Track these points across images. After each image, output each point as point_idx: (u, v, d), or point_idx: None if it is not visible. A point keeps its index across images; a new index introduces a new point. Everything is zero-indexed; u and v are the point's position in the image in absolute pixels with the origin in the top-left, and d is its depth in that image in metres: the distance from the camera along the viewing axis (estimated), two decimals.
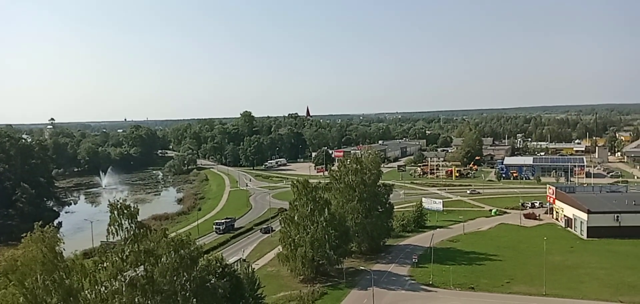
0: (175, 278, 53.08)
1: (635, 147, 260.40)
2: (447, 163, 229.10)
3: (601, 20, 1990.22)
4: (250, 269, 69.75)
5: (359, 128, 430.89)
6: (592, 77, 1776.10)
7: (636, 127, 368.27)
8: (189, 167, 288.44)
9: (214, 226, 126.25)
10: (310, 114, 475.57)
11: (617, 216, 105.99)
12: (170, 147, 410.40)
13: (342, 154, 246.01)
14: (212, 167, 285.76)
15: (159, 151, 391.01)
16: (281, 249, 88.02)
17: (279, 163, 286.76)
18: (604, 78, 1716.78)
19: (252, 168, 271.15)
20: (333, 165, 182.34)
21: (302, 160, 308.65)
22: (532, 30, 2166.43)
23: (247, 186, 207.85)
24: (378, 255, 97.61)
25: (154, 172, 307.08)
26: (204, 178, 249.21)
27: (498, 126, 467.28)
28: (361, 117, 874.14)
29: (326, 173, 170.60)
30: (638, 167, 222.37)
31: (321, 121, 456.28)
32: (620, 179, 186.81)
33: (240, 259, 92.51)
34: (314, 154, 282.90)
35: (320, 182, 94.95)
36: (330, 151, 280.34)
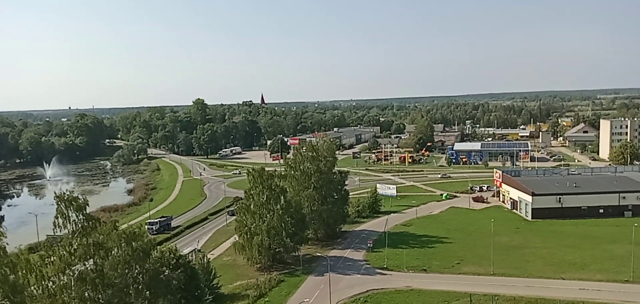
0: (127, 271, 51.62)
1: (575, 132, 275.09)
2: (401, 150, 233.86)
3: (541, 12, 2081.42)
4: (205, 260, 68.98)
5: (314, 116, 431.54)
6: (536, 66, 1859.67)
7: (577, 113, 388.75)
8: (139, 157, 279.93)
9: (146, 227, 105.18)
10: (265, 102, 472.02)
11: (559, 198, 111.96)
12: (119, 136, 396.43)
13: (297, 141, 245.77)
14: (164, 157, 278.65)
15: (107, 140, 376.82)
16: (237, 239, 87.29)
17: (233, 151, 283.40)
18: (547, 66, 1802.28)
19: (206, 157, 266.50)
20: (289, 153, 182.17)
21: (257, 148, 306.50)
22: (478, 22, 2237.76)
23: (201, 175, 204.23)
24: (334, 241, 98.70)
25: (102, 162, 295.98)
26: (156, 168, 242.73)
27: (448, 113, 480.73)
28: (316, 105, 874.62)
29: (282, 161, 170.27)
30: (578, 151, 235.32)
31: (276, 108, 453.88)
32: (562, 162, 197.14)
33: (194, 249, 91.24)
34: (269, 142, 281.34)
35: (276, 170, 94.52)
36: (286, 139, 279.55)
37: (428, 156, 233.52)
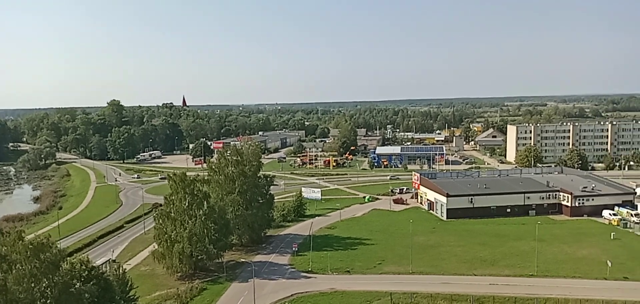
0: (33, 285, 47.76)
1: (485, 137, 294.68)
2: (325, 153, 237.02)
3: (455, 27, 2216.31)
4: (120, 270, 65.18)
5: (238, 119, 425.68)
6: (450, 75, 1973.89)
7: (486, 119, 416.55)
8: (47, 161, 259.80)
9: None
10: (187, 104, 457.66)
11: (471, 199, 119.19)
12: (24, 139, 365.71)
13: (221, 145, 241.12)
14: (75, 162, 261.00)
15: (10, 143, 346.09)
16: (156, 247, 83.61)
17: (152, 156, 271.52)
18: (460, 75, 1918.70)
19: (121, 162, 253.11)
20: (212, 157, 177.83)
21: (178, 152, 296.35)
22: (398, 34, 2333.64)
23: (116, 181, 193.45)
24: (259, 246, 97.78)
25: (5, 167, 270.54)
26: (66, 173, 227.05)
27: (370, 118, 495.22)
28: (241, 108, 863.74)
29: (205, 165, 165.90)
30: (488, 154, 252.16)
31: (199, 111, 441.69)
32: (473, 165, 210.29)
33: (109, 260, 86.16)
34: (191, 145, 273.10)
35: (198, 175, 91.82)
36: (209, 143, 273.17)
37: (352, 159, 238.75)
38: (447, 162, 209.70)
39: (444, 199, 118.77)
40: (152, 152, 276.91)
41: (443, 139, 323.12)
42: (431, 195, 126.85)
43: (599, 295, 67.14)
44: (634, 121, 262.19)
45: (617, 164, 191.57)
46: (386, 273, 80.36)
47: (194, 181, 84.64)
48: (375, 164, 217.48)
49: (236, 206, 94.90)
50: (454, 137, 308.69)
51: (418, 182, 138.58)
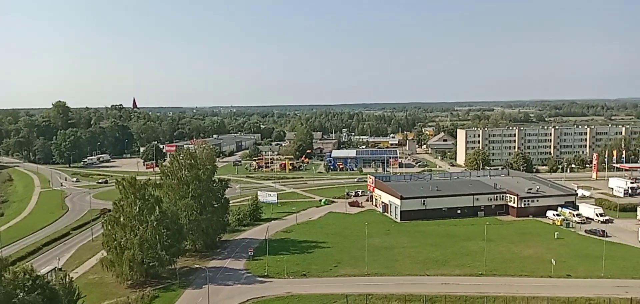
0: None
1: (437, 141, 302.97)
2: (281, 157, 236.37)
3: (405, 34, 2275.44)
4: (67, 279, 62.37)
5: (192, 122, 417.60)
6: (403, 80, 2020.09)
7: (438, 123, 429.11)
8: None
9: None
10: (138, 106, 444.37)
11: (424, 201, 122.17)
12: None
13: (174, 148, 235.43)
14: (18, 166, 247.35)
15: None
16: (105, 254, 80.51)
17: (101, 159, 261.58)
18: (412, 81, 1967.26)
19: (68, 166, 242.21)
20: (164, 160, 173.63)
21: (128, 156, 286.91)
22: (354, 38, 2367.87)
23: (62, 185, 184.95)
24: (214, 251, 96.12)
25: None
26: (7, 178, 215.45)
27: (326, 121, 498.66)
28: (195, 110, 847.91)
29: (157, 169, 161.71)
30: (439, 157, 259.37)
31: (150, 113, 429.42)
32: (426, 168, 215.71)
33: (54, 268, 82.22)
34: (142, 149, 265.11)
35: (150, 179, 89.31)
36: (161, 146, 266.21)
37: (308, 163, 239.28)
38: (400, 166, 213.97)
39: (398, 201, 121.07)
40: (100, 155, 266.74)
41: (397, 142, 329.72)
42: (386, 198, 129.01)
43: (544, 292, 70.34)
44: (575, 126, 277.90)
45: (560, 166, 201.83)
46: (342, 275, 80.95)
47: (145, 186, 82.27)
48: (331, 167, 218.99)
49: (190, 211, 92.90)
50: (407, 141, 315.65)
51: (373, 185, 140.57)
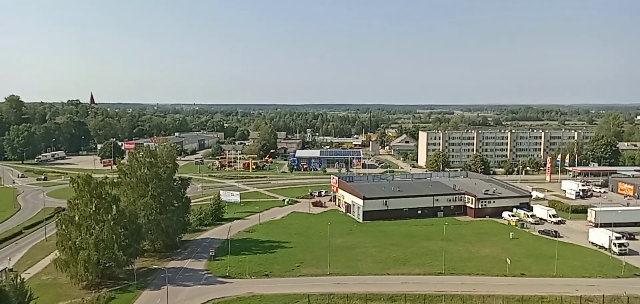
0: None
1: (399, 142, 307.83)
2: (245, 156, 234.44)
3: (369, 38, 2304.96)
4: (18, 280, 59.79)
5: (153, 119, 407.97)
6: (366, 82, 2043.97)
7: (400, 125, 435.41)
8: None
9: None
10: (95, 102, 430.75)
11: (386, 201, 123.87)
12: None
13: (133, 146, 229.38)
14: None
15: None
16: (59, 254, 77.56)
17: (55, 156, 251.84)
18: (375, 83, 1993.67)
19: (20, 162, 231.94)
20: (123, 158, 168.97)
21: (85, 153, 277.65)
22: (315, 39, 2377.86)
23: (14, 183, 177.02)
24: (173, 252, 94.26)
25: None
26: None
27: (290, 121, 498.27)
28: (156, 108, 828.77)
29: (115, 167, 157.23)
30: (401, 158, 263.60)
31: (109, 109, 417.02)
32: (388, 169, 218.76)
33: (5, 269, 78.64)
34: (100, 146, 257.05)
35: (107, 178, 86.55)
36: (120, 143, 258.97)
37: (271, 162, 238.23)
38: (364, 166, 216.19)
39: (360, 201, 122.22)
40: (55, 152, 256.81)
41: (360, 143, 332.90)
42: (349, 198, 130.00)
43: (500, 291, 72.63)
44: (530, 130, 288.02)
45: (516, 169, 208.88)
46: (304, 275, 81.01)
47: (101, 184, 79.75)
48: (295, 167, 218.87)
49: (149, 210, 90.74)
50: (371, 142, 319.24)
51: (336, 185, 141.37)
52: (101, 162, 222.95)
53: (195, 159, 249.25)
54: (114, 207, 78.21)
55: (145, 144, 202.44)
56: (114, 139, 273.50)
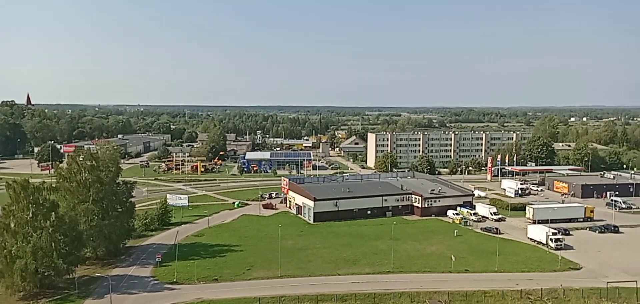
0: None
1: (349, 144, 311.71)
2: (193, 158, 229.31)
3: (316, 38, 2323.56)
4: None
5: (94, 120, 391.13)
6: (316, 84, 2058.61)
7: (350, 127, 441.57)
8: None
9: None
10: (32, 103, 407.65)
11: (336, 202, 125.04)
12: None
13: (73, 149, 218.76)
14: None
15: None
16: None
17: None
18: (324, 85, 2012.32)
19: None
20: (62, 162, 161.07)
21: (21, 156, 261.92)
22: (266, 40, 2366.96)
23: None
24: (117, 259, 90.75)
25: None
26: None
27: (240, 123, 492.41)
28: (97, 108, 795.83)
29: (53, 171, 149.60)
30: (351, 160, 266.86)
31: (47, 111, 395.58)
32: (338, 170, 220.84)
33: None
34: (37, 149, 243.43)
35: (45, 182, 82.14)
36: (59, 146, 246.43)
37: (221, 164, 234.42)
38: (314, 168, 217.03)
39: (311, 203, 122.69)
40: None
41: (310, 145, 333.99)
42: (299, 199, 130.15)
43: (445, 287, 75.16)
44: (472, 131, 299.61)
45: (459, 169, 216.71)
46: (255, 278, 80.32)
47: (39, 189, 75.63)
48: (245, 169, 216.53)
49: (90, 216, 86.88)
50: (321, 144, 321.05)
51: (287, 187, 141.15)
52: (39, 166, 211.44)
53: (141, 162, 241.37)
54: (53, 213, 74.34)
55: (85, 146, 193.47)
56: (53, 141, 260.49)
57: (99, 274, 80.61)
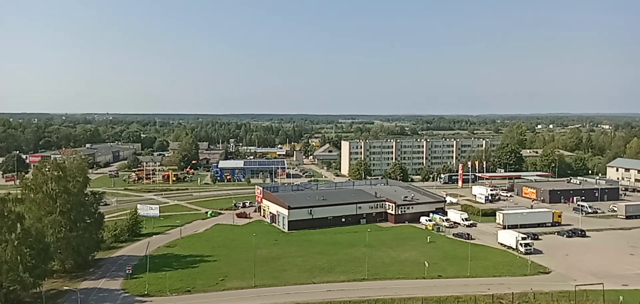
0: None
1: (322, 151, 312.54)
2: (164, 167, 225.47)
3: (287, 46, 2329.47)
4: None
5: (61, 129, 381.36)
6: (289, 92, 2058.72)
7: (323, 135, 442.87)
8: None
9: None
10: None
11: (311, 210, 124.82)
12: None
13: (39, 159, 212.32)
14: None
15: None
16: None
17: None
18: (298, 93, 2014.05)
19: None
20: (27, 172, 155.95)
21: None
22: (239, 47, 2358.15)
23: None
24: (86, 271, 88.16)
25: None
26: None
27: (213, 131, 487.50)
28: (64, 117, 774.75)
29: (18, 182, 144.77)
30: (325, 168, 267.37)
31: (11, 120, 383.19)
32: (312, 178, 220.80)
33: None
34: (1, 159, 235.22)
35: (10, 193, 79.27)
36: (24, 156, 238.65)
37: (193, 173, 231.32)
38: (288, 176, 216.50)
39: (285, 211, 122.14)
40: None
41: (284, 153, 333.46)
42: (274, 208, 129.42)
43: (419, 293, 75.74)
44: (444, 139, 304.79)
45: (431, 175, 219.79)
46: (229, 288, 79.21)
47: (3, 200, 72.95)
48: (218, 178, 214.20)
49: (58, 228, 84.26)
50: (295, 152, 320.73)
51: (261, 195, 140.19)
52: (3, 177, 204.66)
53: (110, 172, 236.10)
54: (19, 225, 71.68)
55: (52, 156, 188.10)
56: (18, 151, 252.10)
57: (67, 288, 78.11)
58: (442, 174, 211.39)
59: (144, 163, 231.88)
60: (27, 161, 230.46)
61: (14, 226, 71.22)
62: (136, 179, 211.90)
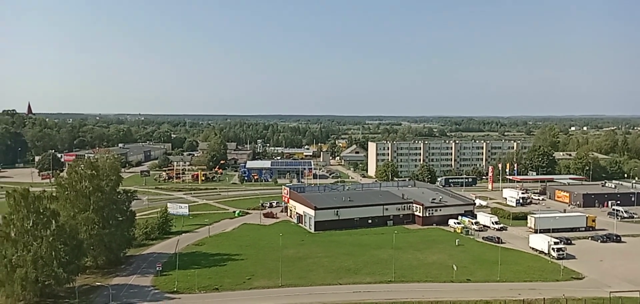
0: None
1: (349, 153, 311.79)
2: (194, 167, 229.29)
3: (319, 48, 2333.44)
4: None
5: (95, 129, 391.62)
6: (318, 93, 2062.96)
7: (350, 136, 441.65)
8: None
9: None
10: (33, 112, 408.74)
11: (337, 211, 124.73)
12: None
13: (73, 158, 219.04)
14: None
15: None
16: None
17: None
18: (326, 94, 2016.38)
19: None
20: (63, 171, 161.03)
21: (22, 165, 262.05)
22: (268, 50, 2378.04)
23: None
24: (118, 268, 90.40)
25: None
26: None
27: (241, 132, 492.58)
28: (98, 117, 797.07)
29: (53, 180, 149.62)
30: (352, 169, 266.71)
31: (47, 120, 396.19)
32: (339, 179, 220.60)
33: None
34: (38, 158, 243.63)
35: (45, 191, 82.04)
36: (59, 155, 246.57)
37: (221, 173, 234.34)
38: (315, 177, 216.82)
39: (312, 212, 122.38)
40: None
41: (311, 154, 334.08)
42: (300, 208, 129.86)
43: (447, 297, 74.69)
44: (473, 140, 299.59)
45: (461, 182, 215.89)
46: (256, 287, 79.88)
47: (39, 198, 75.54)
48: (246, 178, 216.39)
49: (91, 225, 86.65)
50: (321, 153, 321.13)
51: (288, 196, 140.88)
52: (39, 175, 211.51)
53: (141, 171, 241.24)
54: (53, 222, 74.15)
55: (86, 155, 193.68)
56: (53, 150, 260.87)
57: (99, 283, 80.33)
58: (438, 178, 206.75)
59: (174, 163, 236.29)
60: (62, 160, 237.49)
61: (49, 222, 73.64)
62: (166, 178, 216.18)
